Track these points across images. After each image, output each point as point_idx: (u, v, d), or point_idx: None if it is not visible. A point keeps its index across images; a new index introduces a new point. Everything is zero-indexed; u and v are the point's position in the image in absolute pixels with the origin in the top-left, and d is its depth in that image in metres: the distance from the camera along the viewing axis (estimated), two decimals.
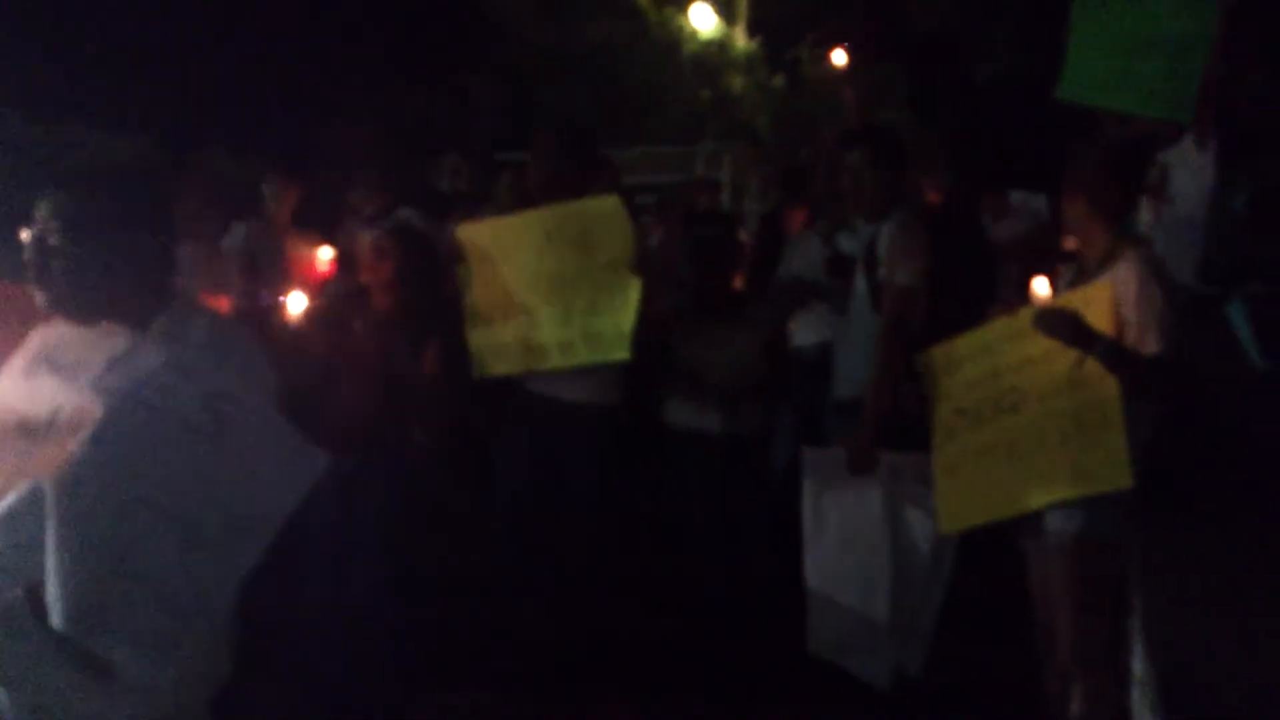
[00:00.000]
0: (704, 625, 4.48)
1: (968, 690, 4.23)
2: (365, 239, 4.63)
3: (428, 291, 4.31)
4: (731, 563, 4.46)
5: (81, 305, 2.28)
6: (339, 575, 4.22)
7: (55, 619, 2.07)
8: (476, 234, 4.45)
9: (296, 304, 4.11)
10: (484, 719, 4.24)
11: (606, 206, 4.25)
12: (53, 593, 2.07)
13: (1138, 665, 3.39)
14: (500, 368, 4.34)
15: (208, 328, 2.30)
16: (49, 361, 2.30)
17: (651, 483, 4.94)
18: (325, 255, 4.52)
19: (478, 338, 4.36)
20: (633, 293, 4.15)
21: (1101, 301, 3.23)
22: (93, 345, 2.28)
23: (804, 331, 5.27)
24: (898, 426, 3.96)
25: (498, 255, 4.34)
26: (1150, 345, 3.16)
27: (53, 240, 2.23)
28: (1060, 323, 3.22)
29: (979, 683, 4.27)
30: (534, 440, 4.43)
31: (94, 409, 2.16)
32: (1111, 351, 3.17)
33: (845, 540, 4.00)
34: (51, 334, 2.35)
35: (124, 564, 2.08)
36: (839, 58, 10.76)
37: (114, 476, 2.11)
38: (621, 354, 4.14)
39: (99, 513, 2.08)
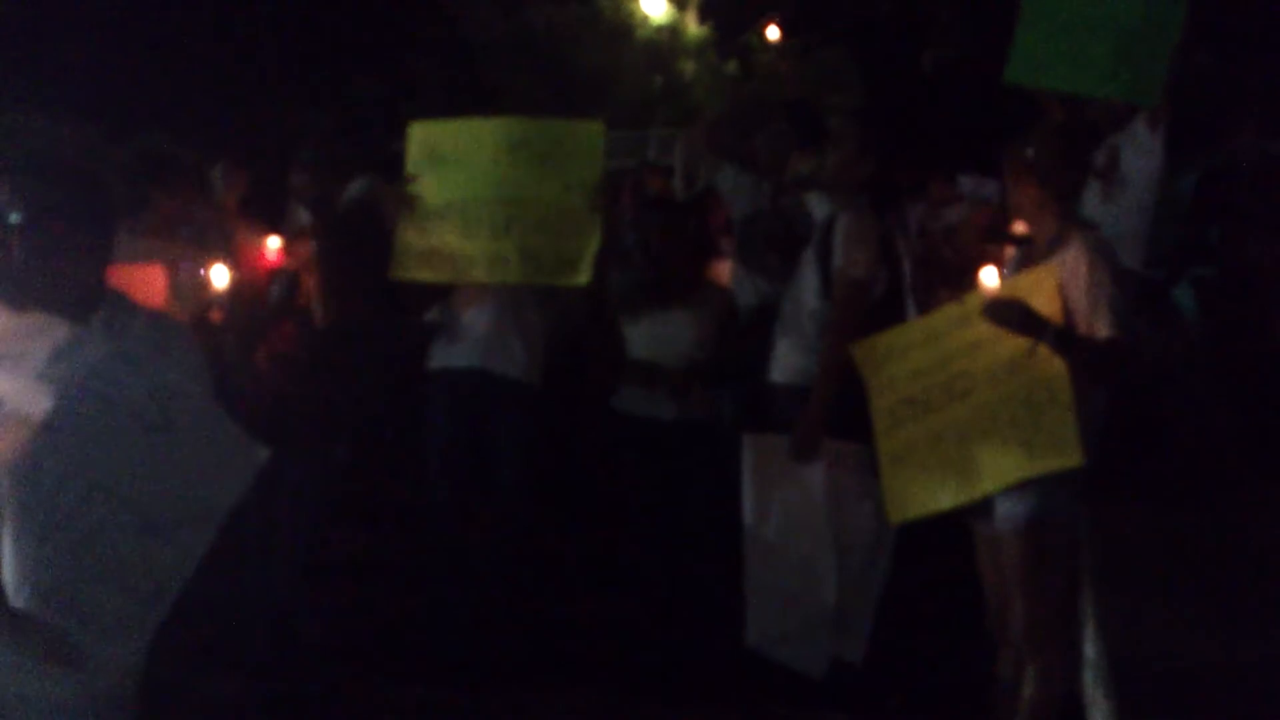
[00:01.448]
0: (654, 615, 4.46)
1: (918, 676, 4.25)
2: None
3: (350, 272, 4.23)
4: (685, 552, 4.46)
5: (19, 293, 2.28)
6: (268, 562, 4.18)
7: (20, 601, 2.14)
8: (433, 131, 4.33)
9: (219, 277, 3.94)
10: (425, 710, 4.20)
11: (587, 130, 4.21)
12: (15, 577, 2.14)
13: (1089, 648, 3.41)
14: (422, 273, 4.24)
15: (147, 323, 2.34)
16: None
17: (602, 471, 4.91)
18: (274, 244, 4.42)
19: (407, 238, 4.24)
20: (594, 223, 4.09)
21: (1047, 286, 3.23)
22: (32, 337, 2.28)
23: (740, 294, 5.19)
24: (841, 415, 3.97)
25: (449, 155, 4.24)
26: (1101, 330, 3.15)
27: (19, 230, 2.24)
28: (1009, 311, 3.21)
29: (929, 669, 4.29)
30: (456, 418, 4.39)
31: (42, 399, 2.18)
32: (1061, 338, 3.16)
33: (788, 529, 4.00)
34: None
35: (86, 549, 2.16)
36: (773, 33, 10.70)
37: (72, 464, 2.17)
38: (578, 280, 4.09)
39: (60, 499, 2.15)
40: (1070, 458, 3.15)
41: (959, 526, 3.50)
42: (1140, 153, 3.86)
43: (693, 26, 13.81)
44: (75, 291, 2.29)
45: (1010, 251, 3.76)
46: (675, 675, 4.28)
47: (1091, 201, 3.86)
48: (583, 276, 4.09)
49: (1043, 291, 3.22)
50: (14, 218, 2.22)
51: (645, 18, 13.80)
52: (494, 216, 4.16)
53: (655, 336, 4.44)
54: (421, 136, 4.31)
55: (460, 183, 4.21)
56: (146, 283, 3.96)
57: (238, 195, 5.68)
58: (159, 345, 2.30)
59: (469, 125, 4.32)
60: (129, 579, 2.19)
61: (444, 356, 4.44)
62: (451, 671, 4.31)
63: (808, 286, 4.18)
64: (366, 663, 4.41)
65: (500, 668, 4.35)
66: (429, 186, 4.24)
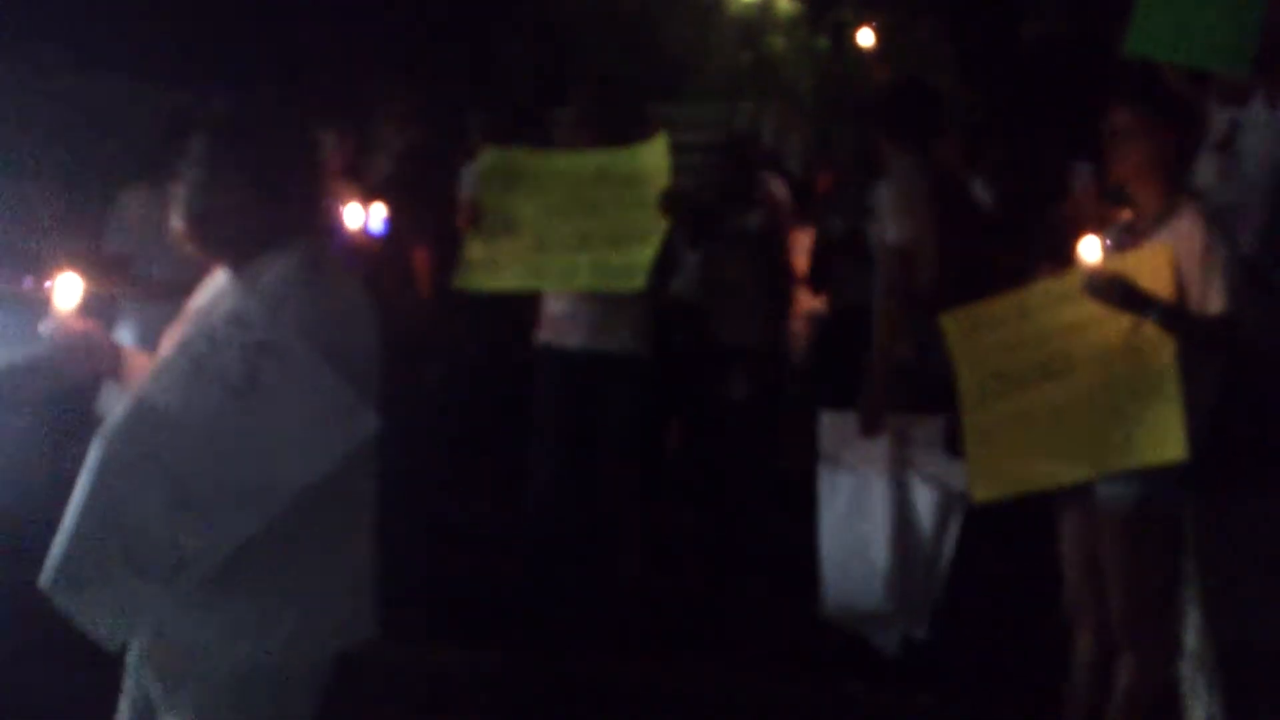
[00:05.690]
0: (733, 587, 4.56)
1: (996, 655, 4.20)
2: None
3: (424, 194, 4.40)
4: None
5: (198, 240, 2.28)
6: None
7: (42, 577, 2.04)
8: (510, 157, 4.57)
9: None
10: (523, 679, 4.25)
11: (656, 148, 4.37)
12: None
13: (1190, 638, 3.32)
14: (488, 283, 4.44)
15: (279, 274, 2.21)
16: (188, 307, 2.36)
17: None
18: (379, 212, 4.51)
19: (474, 251, 4.45)
20: (659, 230, 4.24)
21: (1161, 263, 3.12)
22: (208, 290, 2.34)
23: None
24: (916, 387, 3.98)
25: (527, 179, 4.45)
26: (1214, 303, 3.06)
27: (183, 177, 2.27)
28: (1111, 288, 3.10)
29: (1008, 649, 4.26)
30: (567, 391, 4.51)
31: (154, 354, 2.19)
32: (1169, 314, 3.06)
33: (853, 506, 4.04)
34: (207, 281, 2.40)
35: (111, 520, 2.03)
36: (866, 38, 10.58)
37: (137, 426, 2.07)
38: (636, 284, 4.23)
39: (113, 462, 2.04)
40: (1174, 452, 3.05)
41: (1034, 502, 3.41)
42: (1258, 131, 3.72)
43: (784, 2, 13.71)
44: (234, 240, 2.26)
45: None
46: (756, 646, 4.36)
47: (1208, 177, 3.73)
48: (640, 282, 4.23)
49: (1156, 269, 3.11)
50: (190, 168, 2.24)
51: None
52: (571, 234, 4.35)
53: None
54: (496, 160, 4.56)
55: (539, 204, 4.42)
56: None
57: (341, 160, 5.73)
58: (276, 299, 2.14)
59: (549, 156, 4.60)
60: (142, 554, 2.02)
61: (552, 335, 4.55)
62: (549, 639, 4.38)
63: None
64: (469, 629, 4.49)
65: (602, 637, 4.43)
66: (502, 205, 4.45)
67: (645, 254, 4.19)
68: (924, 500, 3.94)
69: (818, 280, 5.54)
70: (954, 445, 3.84)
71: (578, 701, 4.08)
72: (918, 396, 3.99)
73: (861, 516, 4.01)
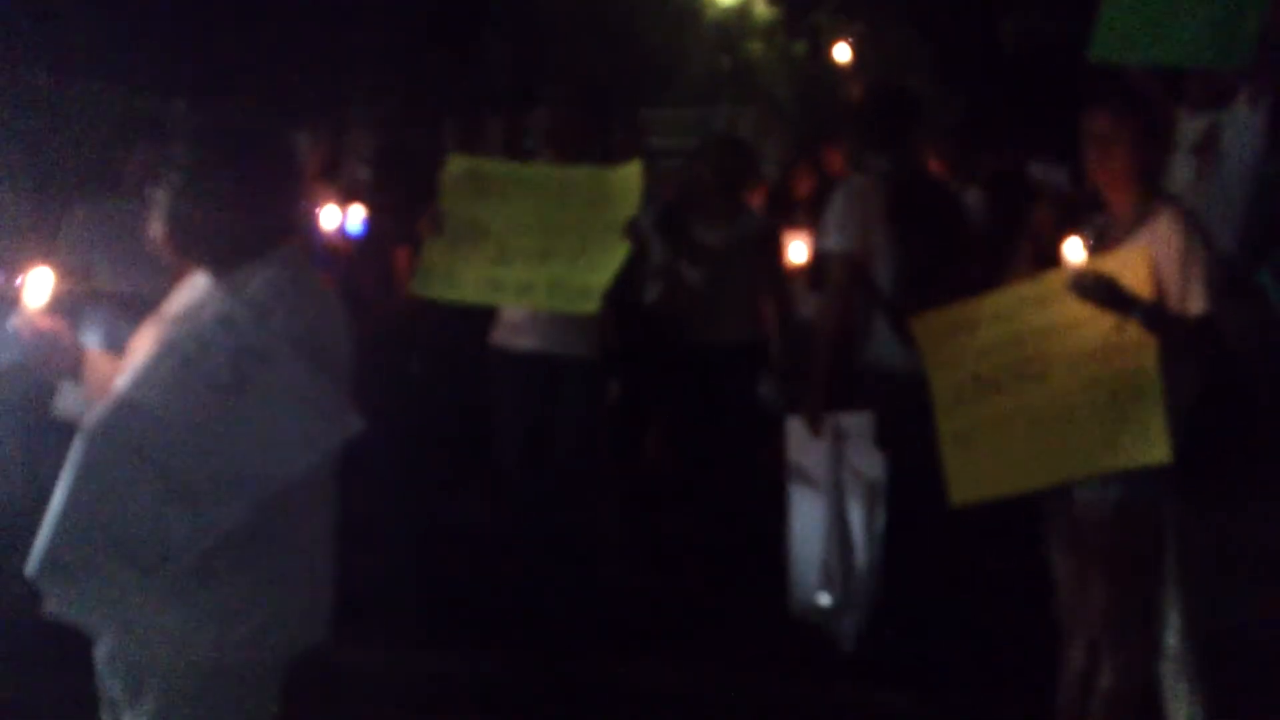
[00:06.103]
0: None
1: (984, 659, 4.20)
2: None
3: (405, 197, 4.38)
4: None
5: (179, 247, 2.31)
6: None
7: (29, 565, 2.06)
8: (476, 165, 4.51)
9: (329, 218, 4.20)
10: (513, 674, 4.25)
11: (629, 173, 4.30)
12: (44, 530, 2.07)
13: (1171, 638, 3.32)
14: (445, 292, 4.36)
15: (262, 283, 2.23)
16: (164, 311, 2.36)
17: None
18: (357, 213, 4.48)
19: (433, 257, 4.37)
20: (619, 255, 4.19)
21: (1139, 266, 3.11)
22: (187, 294, 2.35)
23: None
24: (850, 385, 4.12)
25: (493, 189, 4.39)
26: (1195, 304, 3.05)
27: (160, 186, 2.28)
28: (1097, 287, 3.09)
29: (996, 653, 4.26)
30: (522, 393, 4.50)
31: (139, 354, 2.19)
32: (1153, 314, 3.05)
33: (806, 505, 4.20)
34: (182, 286, 2.42)
35: (98, 511, 2.07)
36: (842, 53, 10.62)
37: (124, 421, 2.10)
38: (589, 308, 4.19)
39: (100, 454, 2.08)
40: (1158, 454, 3.03)
41: (1024, 507, 3.41)
42: (1240, 131, 3.72)
43: (761, 8, 13.78)
44: (216, 246, 2.28)
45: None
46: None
47: (1186, 179, 3.73)
48: (594, 306, 4.18)
49: (1135, 271, 3.10)
50: (166, 177, 2.26)
51: (714, 0, 13.84)
52: (533, 249, 4.29)
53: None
54: (463, 167, 4.48)
55: (504, 216, 4.35)
56: None
57: (318, 164, 5.69)
58: (264, 306, 2.18)
59: (517, 167, 4.56)
60: (131, 544, 2.07)
61: (507, 337, 4.53)
62: (549, 639, 4.38)
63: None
64: (468, 631, 4.50)
65: (602, 637, 4.45)
66: (466, 213, 4.38)
67: (603, 278, 4.15)
68: (855, 494, 4.09)
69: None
70: (882, 437, 4.01)
71: (578, 701, 4.07)
72: (867, 397, 4.11)
73: (811, 515, 4.16)
